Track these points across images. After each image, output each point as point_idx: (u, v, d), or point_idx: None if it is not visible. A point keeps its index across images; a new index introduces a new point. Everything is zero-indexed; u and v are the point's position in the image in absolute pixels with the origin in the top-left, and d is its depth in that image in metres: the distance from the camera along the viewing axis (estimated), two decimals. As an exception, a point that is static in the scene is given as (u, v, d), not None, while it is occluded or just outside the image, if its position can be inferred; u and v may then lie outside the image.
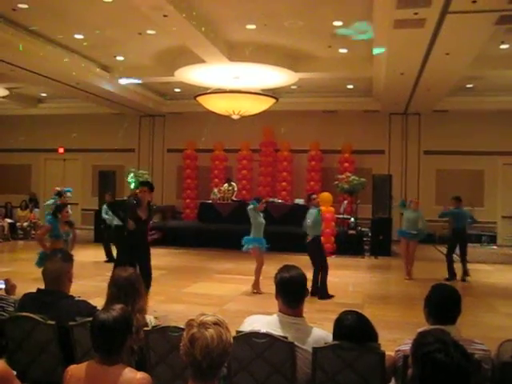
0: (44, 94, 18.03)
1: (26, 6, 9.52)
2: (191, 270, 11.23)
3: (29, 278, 8.01)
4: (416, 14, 8.16)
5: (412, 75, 12.19)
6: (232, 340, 2.15)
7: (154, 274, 10.05)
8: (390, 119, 17.48)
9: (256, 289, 8.68)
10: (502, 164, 16.85)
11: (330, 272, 9.93)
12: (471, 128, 16.61)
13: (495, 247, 15.75)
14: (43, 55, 11.64)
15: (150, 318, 3.33)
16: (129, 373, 2.43)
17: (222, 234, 14.54)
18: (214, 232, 14.78)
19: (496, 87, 14.92)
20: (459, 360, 1.92)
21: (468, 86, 14.93)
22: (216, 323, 2.10)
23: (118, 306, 2.62)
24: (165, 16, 9.00)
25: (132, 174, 15.71)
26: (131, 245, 7.07)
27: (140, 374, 2.45)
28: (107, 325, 2.48)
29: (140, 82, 15.25)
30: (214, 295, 8.61)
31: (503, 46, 11.09)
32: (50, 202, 11.33)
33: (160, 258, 12.77)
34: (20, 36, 10.68)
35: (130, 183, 15.80)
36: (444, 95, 14.63)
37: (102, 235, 12.59)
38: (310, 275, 8.16)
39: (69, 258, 3.43)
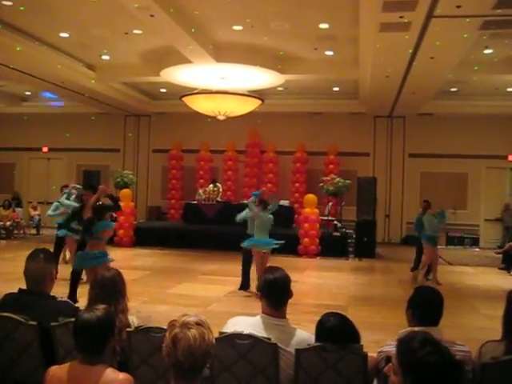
0: (28, 93, 17.87)
1: (10, 3, 9.43)
2: (176, 270, 11.18)
3: (10, 278, 7.95)
4: (401, 17, 8.22)
5: (397, 78, 12.28)
6: (214, 341, 2.14)
7: (139, 274, 10.08)
8: (375, 122, 17.60)
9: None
10: (486, 167, 17.05)
11: (314, 273, 9.93)
12: (455, 131, 16.78)
13: (478, 250, 15.90)
14: (28, 53, 11.54)
15: (133, 319, 3.32)
16: (111, 373, 2.41)
17: (207, 235, 14.52)
18: (199, 233, 14.75)
19: (480, 91, 15.08)
20: (451, 359, 1.93)
21: (452, 89, 15.08)
22: (198, 323, 2.09)
23: (101, 306, 2.60)
24: (151, 16, 8.98)
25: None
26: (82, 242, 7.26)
27: (122, 375, 2.43)
28: (90, 324, 2.46)
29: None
30: (198, 296, 8.58)
31: (487, 51, 11.22)
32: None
33: (144, 258, 12.75)
34: (4, 33, 10.58)
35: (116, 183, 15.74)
36: (429, 98, 14.75)
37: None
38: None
39: (51, 258, 3.41)
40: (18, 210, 17.02)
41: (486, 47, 10.96)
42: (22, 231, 16.50)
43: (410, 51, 9.46)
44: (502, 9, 7.91)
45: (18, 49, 11.05)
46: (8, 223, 15.99)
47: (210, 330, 2.13)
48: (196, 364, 2.05)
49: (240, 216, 8.88)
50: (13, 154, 19.80)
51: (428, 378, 1.90)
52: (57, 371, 2.47)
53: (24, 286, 3.35)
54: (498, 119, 16.21)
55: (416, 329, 2.87)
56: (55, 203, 10.08)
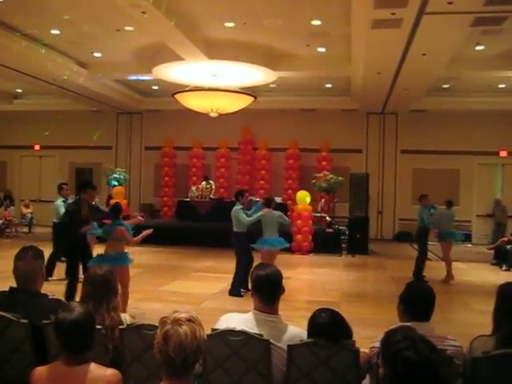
0: (19, 90, 17.78)
1: (0, 0, 9.37)
2: (169, 268, 11.18)
3: (2, 277, 7.92)
4: (393, 14, 8.23)
5: (389, 75, 12.30)
6: (206, 337, 2.14)
7: (132, 272, 10.02)
8: (367, 118, 17.64)
9: None
10: (478, 164, 17.12)
11: (307, 270, 9.90)
12: (447, 128, 16.83)
13: (470, 245, 15.97)
14: (18, 50, 11.46)
15: (125, 316, 3.31)
16: (98, 370, 2.41)
17: (200, 232, 14.52)
18: (192, 230, 14.74)
19: (472, 88, 15.13)
20: (428, 355, 1.94)
21: (444, 86, 15.12)
22: (189, 320, 2.09)
23: (79, 305, 2.58)
24: (143, 13, 8.94)
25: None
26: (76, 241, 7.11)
27: (110, 371, 2.43)
28: (70, 325, 2.44)
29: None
30: (191, 293, 8.59)
31: (478, 48, 11.26)
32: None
33: (137, 256, 12.62)
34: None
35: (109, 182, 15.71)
36: (421, 95, 14.79)
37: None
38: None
39: (40, 256, 3.39)
40: (11, 208, 16.94)
41: (478, 44, 11.00)
42: (14, 229, 16.43)
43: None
44: (493, 5, 7.94)
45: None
46: (0, 221, 15.92)
47: (202, 327, 2.12)
48: (187, 360, 2.05)
49: (249, 220, 8.59)
50: (4, 152, 19.70)
51: (400, 372, 1.95)
52: (43, 372, 2.45)
53: (15, 285, 3.34)
54: (489, 115, 16.27)
55: (408, 324, 2.89)
56: (60, 207, 9.67)
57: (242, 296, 8.33)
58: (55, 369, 2.44)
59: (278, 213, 8.86)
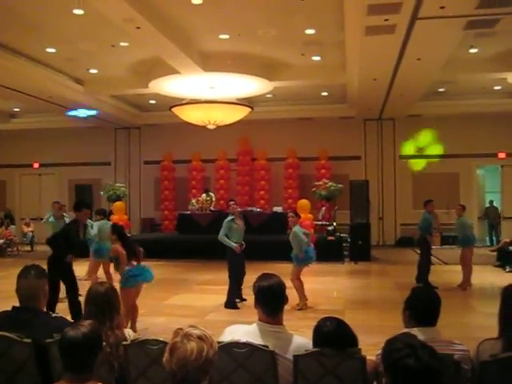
0: (17, 109, 17.81)
1: (-5, 21, 9.43)
2: (171, 281, 11.14)
3: (5, 296, 7.88)
4: (386, 20, 8.27)
5: (385, 81, 12.34)
6: (214, 358, 2.06)
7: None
8: (364, 125, 17.67)
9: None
10: (476, 166, 17.13)
11: (310, 279, 9.91)
12: (445, 131, 16.85)
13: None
14: (14, 69, 11.51)
15: (129, 332, 3.29)
16: None
17: (201, 245, 14.48)
18: (193, 243, 14.70)
19: (467, 91, 15.17)
20: (428, 361, 1.93)
21: (440, 90, 15.16)
22: (200, 338, 2.02)
23: (86, 322, 2.55)
24: (138, 28, 8.98)
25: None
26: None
27: None
28: (77, 342, 2.41)
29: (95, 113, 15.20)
30: (194, 306, 8.55)
31: (472, 50, 11.30)
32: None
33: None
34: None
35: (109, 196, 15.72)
36: (417, 100, 14.83)
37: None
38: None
39: (43, 274, 3.37)
40: (11, 227, 16.91)
41: (472, 46, 11.05)
42: (15, 248, 16.38)
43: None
44: (484, 8, 7.99)
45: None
46: (1, 241, 15.89)
47: (212, 348, 2.05)
48: (188, 377, 1.97)
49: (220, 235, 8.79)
50: (3, 171, 19.73)
51: (401, 380, 1.94)
52: None
53: (17, 304, 3.32)
54: (486, 118, 16.31)
55: (415, 329, 2.88)
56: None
57: (238, 308, 8.33)
58: None
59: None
